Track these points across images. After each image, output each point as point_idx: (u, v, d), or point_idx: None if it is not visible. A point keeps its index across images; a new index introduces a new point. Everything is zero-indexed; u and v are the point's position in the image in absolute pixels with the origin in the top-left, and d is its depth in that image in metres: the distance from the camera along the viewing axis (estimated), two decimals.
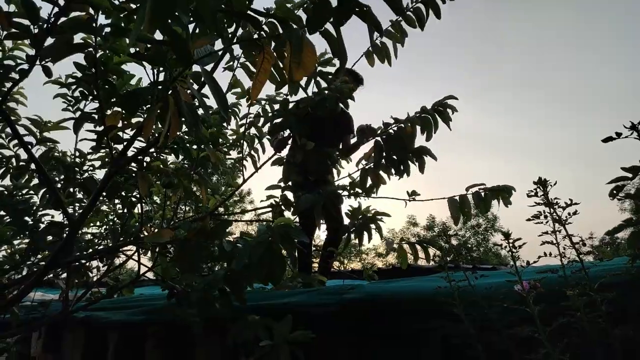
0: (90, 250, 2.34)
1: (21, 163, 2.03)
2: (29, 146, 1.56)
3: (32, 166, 2.01)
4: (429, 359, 1.37)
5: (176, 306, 1.91)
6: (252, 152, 2.49)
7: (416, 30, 1.93)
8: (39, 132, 1.81)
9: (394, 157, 1.91)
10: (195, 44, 0.96)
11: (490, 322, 1.10)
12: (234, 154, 2.73)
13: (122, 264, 2.57)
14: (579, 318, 0.97)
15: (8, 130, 1.96)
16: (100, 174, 2.28)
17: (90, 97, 1.90)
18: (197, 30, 1.24)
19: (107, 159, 2.23)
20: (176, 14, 0.92)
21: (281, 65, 0.93)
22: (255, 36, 0.97)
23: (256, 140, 2.48)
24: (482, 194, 1.93)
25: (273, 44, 0.92)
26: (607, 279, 0.99)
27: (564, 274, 1.09)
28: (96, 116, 1.96)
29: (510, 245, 1.03)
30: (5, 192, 1.83)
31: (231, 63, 1.96)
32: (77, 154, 2.14)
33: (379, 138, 2.03)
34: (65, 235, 2.08)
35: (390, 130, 2.01)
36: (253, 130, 2.45)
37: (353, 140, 2.76)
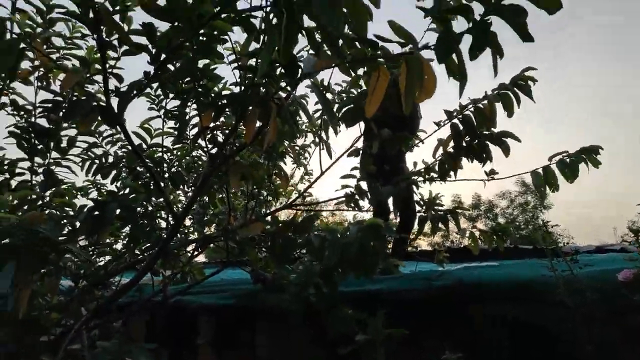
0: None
1: (110, 160, 2.22)
2: (139, 151, 1.70)
3: (122, 163, 2.20)
4: (521, 345, 1.42)
5: (265, 293, 2.06)
6: (324, 137, 2.55)
7: None
8: (149, 138, 1.97)
9: (474, 142, 1.90)
10: (316, 67, 1.02)
11: (594, 310, 1.14)
12: (299, 141, 2.83)
13: (202, 252, 2.75)
14: None
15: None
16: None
17: (172, 96, 2.04)
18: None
19: (188, 152, 2.40)
20: None
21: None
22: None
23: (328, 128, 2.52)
24: (567, 160, 1.83)
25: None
26: None
27: None
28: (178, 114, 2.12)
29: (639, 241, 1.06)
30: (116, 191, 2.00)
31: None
32: (164, 149, 2.30)
33: (456, 121, 2.00)
34: (165, 226, 2.27)
35: (467, 112, 1.97)
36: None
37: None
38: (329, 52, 0.98)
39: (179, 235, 2.48)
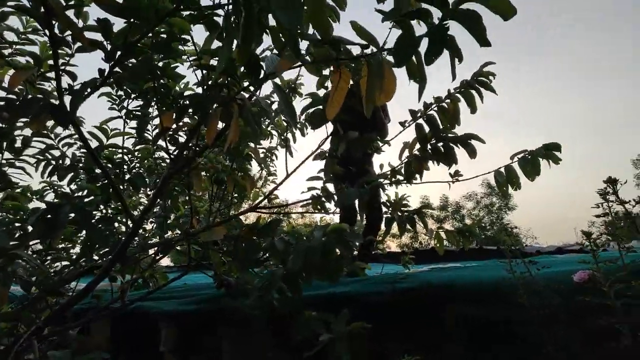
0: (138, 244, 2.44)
1: (67, 162, 2.13)
2: (94, 152, 1.63)
3: (80, 165, 2.11)
4: (484, 345, 1.44)
5: (228, 297, 2.01)
6: (284, 142, 2.53)
7: None
8: (105, 138, 1.89)
9: (439, 144, 1.91)
10: (279, 68, 1.00)
11: (554, 311, 1.16)
12: (264, 143, 2.79)
13: (164, 255, 2.68)
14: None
15: (56, 131, 2.06)
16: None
17: (134, 96, 1.98)
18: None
19: (150, 154, 2.33)
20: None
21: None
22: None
23: (293, 130, 2.49)
24: (529, 157, 1.83)
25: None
26: None
27: (623, 263, 1.14)
28: (141, 114, 2.05)
29: (592, 243, 1.08)
30: (70, 194, 1.92)
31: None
32: (125, 151, 2.22)
33: (421, 121, 2.00)
34: (123, 230, 2.19)
35: (432, 112, 1.98)
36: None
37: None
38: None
39: (138, 239, 2.40)
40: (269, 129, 2.60)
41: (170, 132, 1.87)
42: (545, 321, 1.17)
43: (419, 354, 1.31)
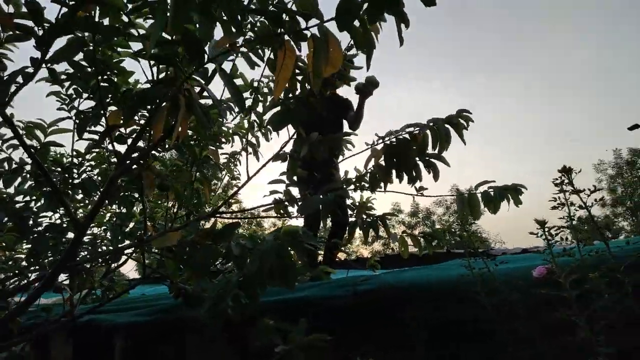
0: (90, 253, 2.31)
1: (14, 166, 1.99)
2: (32, 150, 1.51)
3: (27, 168, 1.98)
4: (444, 344, 1.39)
5: (185, 307, 1.91)
6: (253, 141, 2.43)
7: None
8: (43, 136, 1.77)
9: (405, 164, 1.86)
10: (218, 44, 0.94)
11: (513, 308, 1.12)
12: (227, 147, 2.70)
13: (121, 265, 2.54)
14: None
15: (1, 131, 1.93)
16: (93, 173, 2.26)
17: (85, 96, 1.87)
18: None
19: (105, 158, 2.21)
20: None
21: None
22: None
23: (256, 129, 2.40)
24: (492, 193, 1.83)
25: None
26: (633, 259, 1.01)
27: (581, 256, 1.11)
28: (93, 115, 1.93)
29: (547, 232, 1.04)
30: (7, 199, 1.79)
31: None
32: (74, 153, 2.10)
33: (388, 142, 1.95)
34: (71, 238, 2.06)
35: (403, 135, 1.88)
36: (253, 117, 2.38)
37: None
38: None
39: (91, 248, 2.27)
40: (230, 131, 2.51)
41: (120, 132, 1.77)
42: (504, 318, 1.13)
43: (379, 355, 1.25)
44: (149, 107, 1.67)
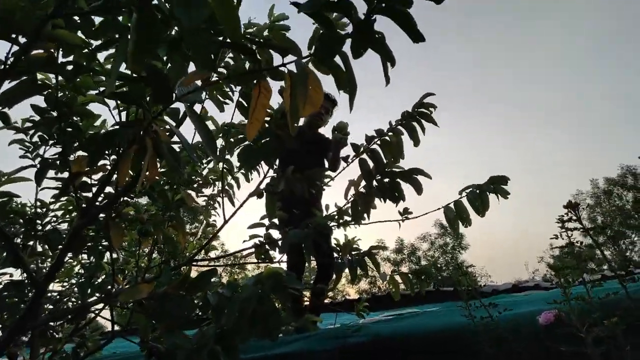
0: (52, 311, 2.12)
1: None
2: None
3: None
4: None
5: None
6: (227, 188, 2.33)
7: None
8: None
9: (385, 180, 1.79)
10: (187, 81, 0.85)
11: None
12: (206, 191, 2.58)
13: (90, 322, 2.35)
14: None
15: None
16: (62, 224, 2.11)
17: (51, 142, 1.76)
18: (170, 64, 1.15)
19: (70, 208, 2.06)
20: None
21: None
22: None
23: (235, 170, 2.30)
24: (477, 192, 1.76)
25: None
26: None
27: (599, 299, 1.01)
28: (58, 162, 1.81)
29: (563, 279, 0.95)
30: None
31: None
32: (39, 204, 1.96)
33: (364, 156, 1.89)
34: (30, 296, 1.89)
35: (374, 146, 1.88)
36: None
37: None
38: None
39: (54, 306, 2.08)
40: (207, 174, 2.40)
41: (85, 180, 1.64)
42: None
43: None
44: (116, 151, 1.58)
